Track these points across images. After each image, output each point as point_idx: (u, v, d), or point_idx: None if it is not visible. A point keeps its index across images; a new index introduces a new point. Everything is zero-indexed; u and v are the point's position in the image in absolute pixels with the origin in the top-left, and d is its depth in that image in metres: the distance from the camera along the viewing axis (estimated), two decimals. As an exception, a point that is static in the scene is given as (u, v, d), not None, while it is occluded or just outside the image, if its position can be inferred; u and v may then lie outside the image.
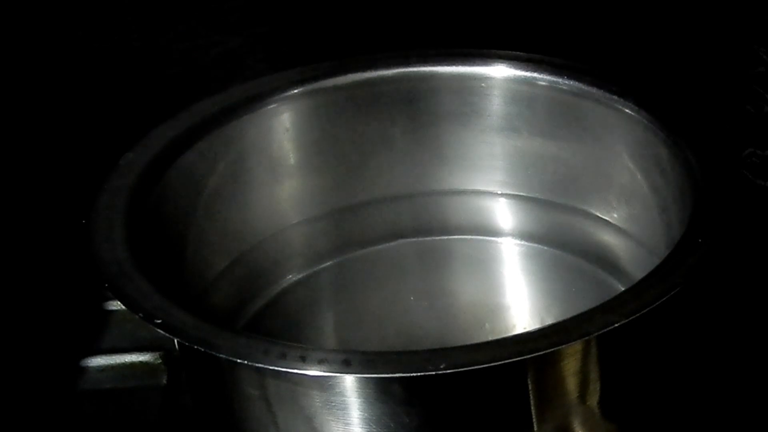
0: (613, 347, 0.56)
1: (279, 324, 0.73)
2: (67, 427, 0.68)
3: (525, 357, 0.52)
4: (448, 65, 0.73)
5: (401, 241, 0.76)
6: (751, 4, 0.87)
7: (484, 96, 0.73)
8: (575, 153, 0.72)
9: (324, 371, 0.52)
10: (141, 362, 0.71)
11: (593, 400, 0.57)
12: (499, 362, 0.52)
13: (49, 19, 0.86)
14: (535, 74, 0.71)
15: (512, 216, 0.75)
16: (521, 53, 0.72)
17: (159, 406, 0.68)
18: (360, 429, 0.55)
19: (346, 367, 0.52)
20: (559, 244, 0.74)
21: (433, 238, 0.76)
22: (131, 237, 0.61)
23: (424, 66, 0.73)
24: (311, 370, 0.52)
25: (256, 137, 0.71)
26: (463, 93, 0.73)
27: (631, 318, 0.53)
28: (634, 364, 0.58)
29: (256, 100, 0.71)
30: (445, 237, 0.76)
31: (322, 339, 0.75)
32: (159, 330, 0.55)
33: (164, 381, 0.70)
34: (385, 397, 0.54)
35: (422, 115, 0.74)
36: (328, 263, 0.75)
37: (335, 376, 0.53)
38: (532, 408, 0.55)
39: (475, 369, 0.52)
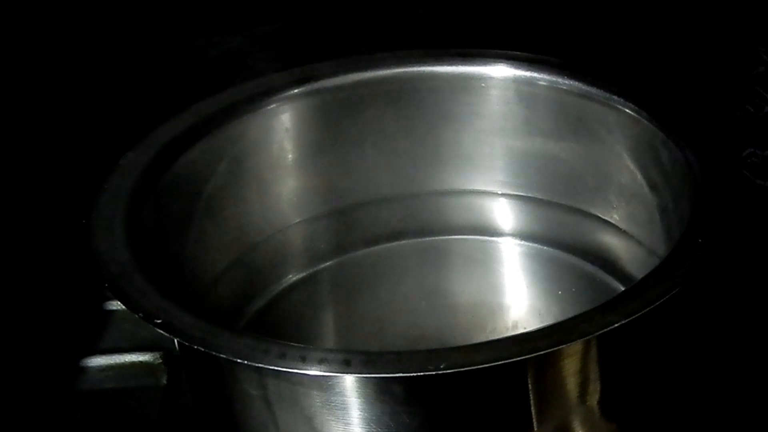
0: (613, 347, 0.56)
1: (279, 324, 0.73)
2: (68, 427, 0.68)
3: (525, 357, 0.52)
4: (448, 65, 0.73)
5: (401, 241, 0.76)
6: (751, 4, 0.87)
7: (484, 96, 0.73)
8: (575, 153, 0.72)
9: (324, 371, 0.52)
10: (141, 362, 0.71)
11: (593, 400, 0.57)
12: (499, 362, 0.52)
13: (49, 20, 0.86)
14: (535, 74, 0.71)
15: (512, 216, 0.75)
16: (521, 53, 0.72)
17: (159, 406, 0.68)
18: (360, 429, 0.55)
19: (346, 367, 0.52)
20: (559, 244, 0.74)
21: (433, 238, 0.76)
22: (131, 237, 0.61)
23: (424, 66, 0.73)
24: (311, 370, 0.52)
25: (256, 137, 0.71)
26: (463, 93, 0.73)
27: (631, 318, 0.53)
28: (634, 364, 0.58)
29: (256, 100, 0.71)
30: (445, 237, 0.76)
31: (322, 339, 0.75)
32: (159, 330, 0.55)
33: (164, 381, 0.70)
34: (385, 397, 0.54)
35: (422, 115, 0.74)
36: (328, 263, 0.75)
37: (335, 376, 0.53)
38: (532, 408, 0.55)
39: (475, 369, 0.52)
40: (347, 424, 0.55)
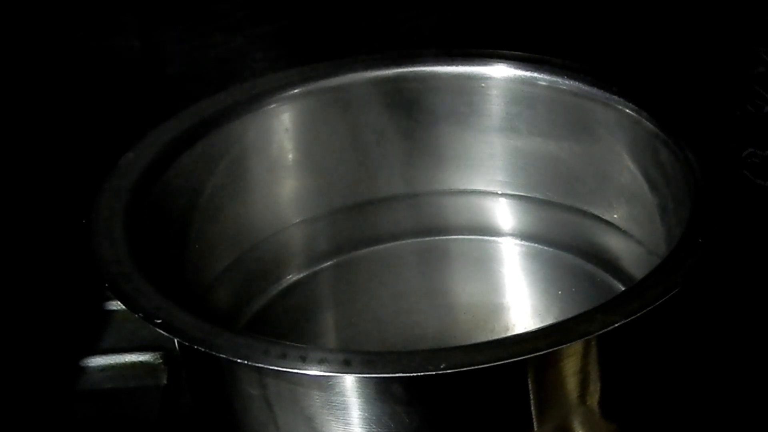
0: (613, 347, 0.56)
1: (279, 324, 0.73)
2: (68, 427, 0.68)
3: (525, 357, 0.52)
4: (448, 65, 0.73)
5: (401, 241, 0.76)
6: (751, 4, 0.87)
7: (484, 96, 0.73)
8: (575, 153, 0.72)
9: (324, 371, 0.52)
10: (141, 362, 0.71)
11: (593, 400, 0.57)
12: (499, 362, 0.52)
13: (49, 20, 0.86)
14: (535, 74, 0.71)
15: (512, 216, 0.75)
16: (521, 53, 0.72)
17: (159, 406, 0.68)
18: (360, 429, 0.55)
19: (346, 367, 0.52)
20: (559, 244, 0.74)
21: (433, 238, 0.76)
22: (131, 237, 0.61)
23: (424, 66, 0.73)
24: (311, 370, 0.52)
25: (256, 137, 0.71)
26: (463, 93, 0.73)
27: (631, 318, 0.53)
28: (634, 364, 0.58)
29: (256, 100, 0.71)
30: (445, 237, 0.76)
31: (322, 339, 0.75)
32: (159, 330, 0.55)
33: (164, 381, 0.70)
34: (385, 397, 0.54)
35: (422, 115, 0.74)
36: (328, 263, 0.75)
37: (335, 376, 0.53)
38: (532, 408, 0.55)
39: (475, 369, 0.52)
40: (347, 424, 0.55)
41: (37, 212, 0.82)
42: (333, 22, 0.89)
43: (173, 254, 0.66)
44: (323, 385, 0.54)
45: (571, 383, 0.56)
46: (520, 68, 0.71)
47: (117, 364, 0.71)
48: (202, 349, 0.54)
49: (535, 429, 0.56)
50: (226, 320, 0.69)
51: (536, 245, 0.75)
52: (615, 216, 0.71)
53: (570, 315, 0.54)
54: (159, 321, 0.55)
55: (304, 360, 0.53)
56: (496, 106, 0.73)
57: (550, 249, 0.74)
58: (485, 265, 0.76)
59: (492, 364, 0.52)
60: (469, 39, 0.82)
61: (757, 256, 0.78)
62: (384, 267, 0.76)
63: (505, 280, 0.76)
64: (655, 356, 0.59)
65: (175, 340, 0.57)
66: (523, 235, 0.75)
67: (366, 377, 0.53)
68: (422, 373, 0.51)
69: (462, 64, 0.73)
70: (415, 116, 0.74)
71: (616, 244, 0.71)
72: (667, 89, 0.69)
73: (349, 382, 0.54)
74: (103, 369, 0.71)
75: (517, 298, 0.76)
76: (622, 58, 0.85)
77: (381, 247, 0.76)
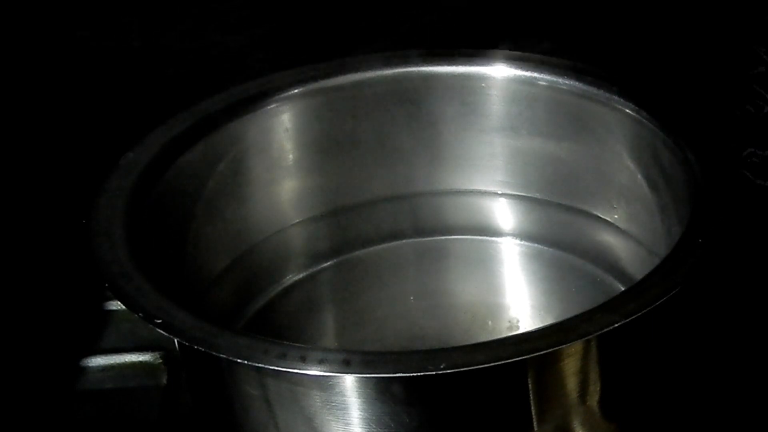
0: (613, 347, 0.56)
1: (279, 324, 0.73)
2: (68, 427, 0.68)
3: (525, 357, 0.52)
4: (448, 65, 0.73)
5: (401, 241, 0.76)
6: (751, 4, 0.87)
7: (484, 96, 0.73)
8: (575, 153, 0.72)
9: (324, 371, 0.52)
10: (141, 362, 0.71)
11: (593, 400, 0.57)
12: (499, 362, 0.52)
13: (49, 19, 0.86)
14: (535, 74, 0.71)
15: (512, 216, 0.75)
16: (521, 53, 0.72)
17: (159, 406, 0.68)
18: (360, 429, 0.55)
19: (346, 367, 0.52)
20: (559, 244, 0.74)
21: (433, 238, 0.76)
22: (131, 237, 0.61)
23: (424, 66, 0.73)
24: (311, 370, 0.52)
25: (256, 137, 0.71)
26: (463, 93, 0.73)
27: (631, 318, 0.53)
28: (634, 364, 0.58)
29: (256, 100, 0.71)
30: (445, 237, 0.76)
31: (322, 339, 0.75)
32: (159, 330, 0.55)
33: (164, 381, 0.70)
34: (385, 397, 0.54)
35: (422, 115, 0.74)
36: (328, 263, 0.75)
37: (335, 376, 0.53)
38: (532, 408, 0.55)
39: (475, 369, 0.52)
40: (347, 424, 0.55)
41: (37, 212, 0.82)
42: (333, 22, 0.89)
43: (173, 254, 0.66)
44: (323, 385, 0.54)
45: (571, 383, 0.56)
46: (520, 68, 0.72)
47: (117, 364, 0.71)
48: (202, 349, 0.54)
49: (535, 429, 0.56)
50: (226, 320, 0.70)
51: (536, 245, 0.75)
52: (615, 216, 0.71)
53: (570, 315, 0.54)
54: (159, 321, 0.55)
55: (304, 360, 0.53)
56: (496, 106, 0.73)
57: (550, 249, 0.74)
58: (485, 265, 0.76)
59: (492, 364, 0.52)
60: (469, 39, 0.82)
61: (757, 256, 0.78)
62: (384, 267, 0.76)
63: (505, 280, 0.76)
64: (655, 356, 0.59)
65: (175, 340, 0.57)
66: (523, 235, 0.75)
67: (366, 377, 0.53)
68: (422, 373, 0.51)
69: (462, 64, 0.73)
70: (415, 116, 0.74)
71: (616, 244, 0.71)
72: (667, 89, 0.69)
73: (349, 382, 0.54)
74: (103, 369, 0.71)
75: (517, 298, 0.76)
76: (622, 58, 0.85)
77: (381, 247, 0.76)
